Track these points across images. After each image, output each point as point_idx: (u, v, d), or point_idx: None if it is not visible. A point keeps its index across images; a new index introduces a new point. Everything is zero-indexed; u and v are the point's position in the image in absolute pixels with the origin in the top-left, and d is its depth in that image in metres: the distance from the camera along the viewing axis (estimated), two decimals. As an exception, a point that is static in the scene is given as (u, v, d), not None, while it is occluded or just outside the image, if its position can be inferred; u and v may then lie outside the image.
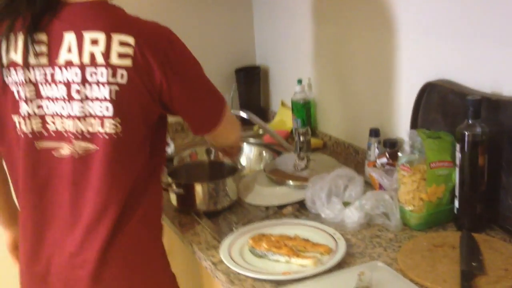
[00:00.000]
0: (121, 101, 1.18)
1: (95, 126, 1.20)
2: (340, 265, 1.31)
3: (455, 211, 1.45)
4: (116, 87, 1.18)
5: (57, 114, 1.21)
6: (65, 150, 1.21)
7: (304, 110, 2.21)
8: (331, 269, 1.29)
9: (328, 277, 1.26)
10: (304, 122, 2.19)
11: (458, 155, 1.40)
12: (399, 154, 1.47)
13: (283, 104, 2.43)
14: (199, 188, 1.61)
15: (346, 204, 1.52)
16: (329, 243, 1.38)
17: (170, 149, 2.15)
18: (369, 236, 1.44)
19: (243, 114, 2.01)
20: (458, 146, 1.40)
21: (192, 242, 1.49)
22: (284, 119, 2.38)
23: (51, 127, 1.22)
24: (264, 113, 2.56)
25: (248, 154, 2.16)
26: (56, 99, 1.20)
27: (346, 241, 1.39)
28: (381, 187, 1.56)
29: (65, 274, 1.26)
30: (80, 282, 1.25)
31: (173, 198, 1.64)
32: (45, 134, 1.23)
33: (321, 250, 1.35)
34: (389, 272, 1.27)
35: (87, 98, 1.19)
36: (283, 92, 2.43)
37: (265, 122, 2.41)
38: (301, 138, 1.96)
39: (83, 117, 1.20)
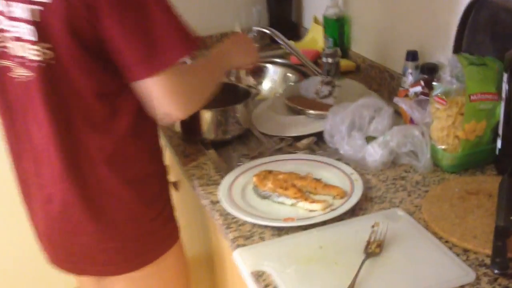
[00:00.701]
0: (46, 23, 1.00)
1: (24, 51, 1.04)
2: (353, 212, 1.13)
3: (497, 152, 1.23)
4: (40, 7, 0.99)
5: None
6: (14, 72, 1.06)
7: (337, 28, 1.96)
8: (342, 215, 1.11)
9: (337, 226, 1.09)
10: (336, 41, 1.95)
11: (505, 86, 1.17)
12: (435, 83, 1.24)
13: (316, 20, 2.18)
14: (206, 115, 1.44)
15: (369, 139, 1.32)
16: (344, 184, 1.20)
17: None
18: (392, 178, 1.25)
19: (266, 31, 1.80)
20: (506, 76, 1.16)
21: (193, 176, 1.34)
22: (316, 37, 2.14)
23: None
24: (296, 30, 2.32)
25: (272, 76, 1.96)
26: None
27: (364, 183, 1.21)
28: (411, 120, 1.34)
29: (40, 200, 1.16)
30: (53, 219, 1.15)
31: (177, 124, 1.47)
32: None
33: (333, 192, 1.18)
34: (409, 222, 1.09)
35: (11, 18, 1.03)
36: (316, 6, 2.17)
37: (296, 40, 2.18)
38: (329, 60, 1.75)
39: (14, 39, 1.05)
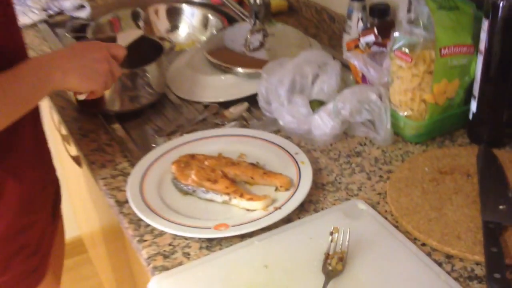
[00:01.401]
0: None
1: None
2: (302, 207, 0.89)
3: (470, 116, 1.01)
4: None
5: None
6: None
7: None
8: (289, 215, 0.86)
9: (285, 232, 0.84)
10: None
11: (484, 36, 0.93)
12: (395, 34, 0.98)
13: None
14: (107, 81, 1.12)
15: (315, 105, 1.06)
16: (288, 169, 0.95)
17: (85, 12, 1.62)
18: (345, 155, 1.01)
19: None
20: (485, 23, 0.92)
21: (92, 164, 1.04)
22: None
23: None
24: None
25: (190, 20, 1.64)
26: None
27: (313, 164, 0.96)
28: (365, 79, 1.09)
29: None
30: None
31: (70, 92, 1.15)
32: None
33: (276, 182, 0.92)
34: (374, 220, 0.85)
35: None
36: None
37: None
38: (257, 0, 1.44)
39: None
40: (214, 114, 1.15)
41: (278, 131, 1.06)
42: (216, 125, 1.11)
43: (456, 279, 0.75)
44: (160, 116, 1.17)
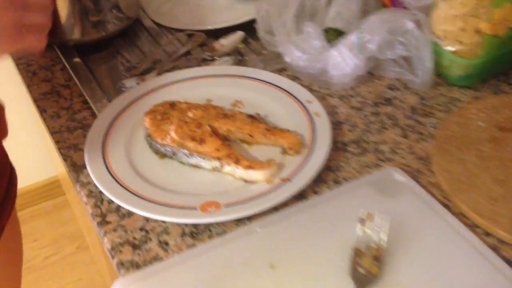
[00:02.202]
0: None
1: None
2: (319, 179, 0.66)
3: (538, 52, 0.77)
4: None
5: None
6: None
7: None
8: (301, 192, 0.64)
9: (296, 216, 0.61)
10: None
11: None
12: None
13: None
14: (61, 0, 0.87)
15: (331, 35, 0.82)
16: (298, 123, 0.71)
17: None
18: (372, 102, 0.77)
19: None
20: None
21: (43, 112, 0.80)
22: None
23: None
24: None
25: None
26: None
27: (330, 115, 0.73)
28: (397, 1, 0.83)
29: None
30: None
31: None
32: None
33: (283, 142, 0.69)
34: (417, 197, 0.63)
35: None
36: None
37: None
38: None
39: None
40: (201, 46, 0.90)
41: (283, 70, 0.82)
42: (203, 61, 0.86)
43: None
44: (132, 48, 0.92)
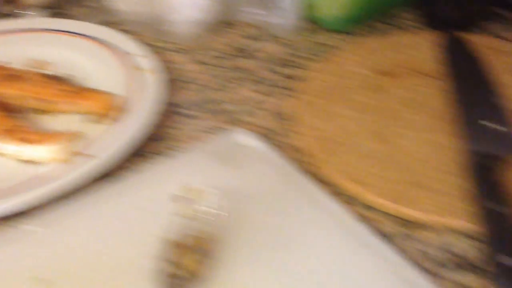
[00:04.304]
0: None
1: None
2: (142, 151, 0.48)
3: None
4: None
5: None
6: None
7: None
8: (110, 171, 0.45)
9: (96, 206, 0.43)
10: None
11: None
12: None
13: None
14: None
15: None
16: (119, 85, 0.53)
17: None
18: (226, 56, 0.60)
19: None
20: None
21: None
22: None
23: None
24: None
25: None
26: None
27: (170, 73, 0.55)
28: None
29: None
30: None
31: None
32: None
33: (90, 106, 0.50)
34: (274, 165, 0.46)
35: None
36: None
37: None
38: None
39: None
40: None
41: (114, 24, 0.64)
42: (4, 17, 0.66)
43: (427, 270, 0.38)
44: None
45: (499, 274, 0.35)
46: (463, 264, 0.38)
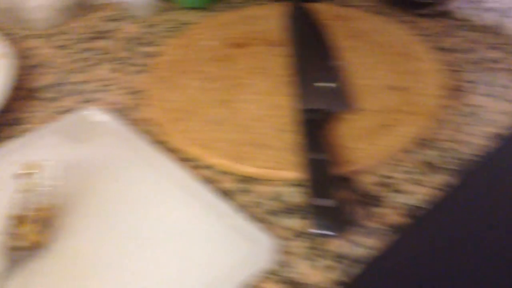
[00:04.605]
0: None
1: None
2: (-8, 135, 0.49)
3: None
4: None
5: None
6: None
7: None
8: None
9: None
10: None
11: None
12: None
13: None
14: None
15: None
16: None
17: None
18: (84, 39, 0.61)
19: None
20: None
21: None
22: None
23: None
24: None
25: None
26: None
27: (25, 59, 0.56)
28: None
29: None
30: None
31: None
32: None
33: None
34: (119, 137, 0.48)
35: None
36: None
37: None
38: None
39: None
40: None
41: (-29, 15, 0.63)
42: None
43: (260, 219, 0.42)
44: None
45: (315, 213, 0.39)
46: (290, 209, 0.42)
